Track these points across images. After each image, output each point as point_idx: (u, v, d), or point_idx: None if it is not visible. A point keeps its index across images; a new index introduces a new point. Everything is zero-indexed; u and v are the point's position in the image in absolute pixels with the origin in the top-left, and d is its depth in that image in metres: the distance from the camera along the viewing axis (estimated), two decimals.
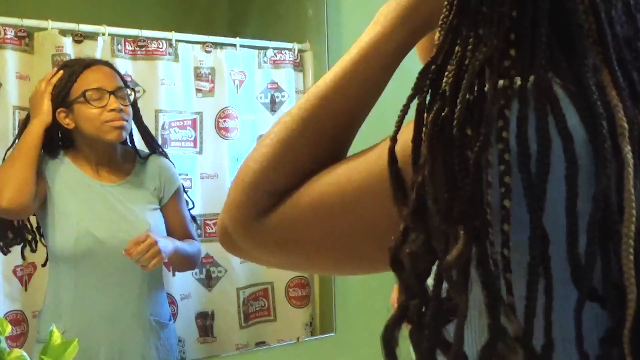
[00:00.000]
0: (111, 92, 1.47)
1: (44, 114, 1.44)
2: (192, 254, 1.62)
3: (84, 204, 1.50)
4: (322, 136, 0.56)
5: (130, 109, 1.52)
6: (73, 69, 1.48)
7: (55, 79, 1.46)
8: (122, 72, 1.59)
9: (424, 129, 0.48)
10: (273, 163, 0.56)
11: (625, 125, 0.44)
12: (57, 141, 1.50)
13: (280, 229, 0.56)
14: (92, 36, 1.60)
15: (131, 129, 1.55)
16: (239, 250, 0.60)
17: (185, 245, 1.58)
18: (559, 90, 0.47)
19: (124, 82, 1.55)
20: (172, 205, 1.59)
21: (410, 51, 0.59)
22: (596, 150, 0.45)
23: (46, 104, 1.44)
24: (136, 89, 1.61)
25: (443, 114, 0.47)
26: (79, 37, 1.58)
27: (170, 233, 1.58)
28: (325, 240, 0.55)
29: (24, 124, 1.47)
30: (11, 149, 1.46)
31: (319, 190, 0.54)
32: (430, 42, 0.58)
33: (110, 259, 1.47)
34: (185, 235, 1.62)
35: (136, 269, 1.46)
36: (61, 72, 1.47)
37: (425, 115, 0.48)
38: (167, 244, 1.49)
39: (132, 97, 1.53)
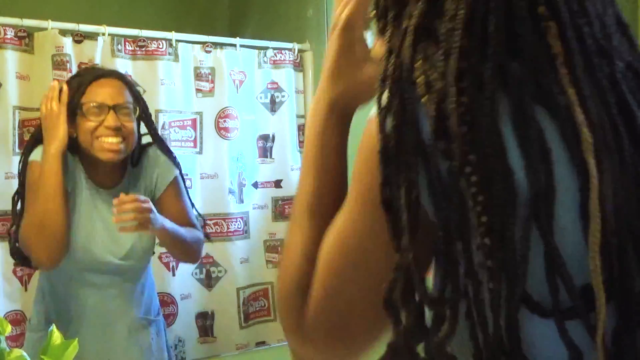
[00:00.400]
0: (112, 107, 1.41)
1: (60, 140, 1.38)
2: (188, 239, 1.54)
3: (83, 212, 1.45)
4: (323, 221, 0.59)
5: (133, 125, 1.44)
6: (82, 79, 1.43)
7: (65, 98, 1.39)
8: (122, 72, 1.58)
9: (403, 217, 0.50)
10: (297, 284, 0.59)
11: (590, 139, 0.47)
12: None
13: (319, 317, 0.57)
14: (92, 36, 1.60)
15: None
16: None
17: (180, 229, 1.52)
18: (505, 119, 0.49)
19: (134, 95, 1.48)
20: (168, 195, 1.53)
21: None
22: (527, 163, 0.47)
23: (62, 128, 1.38)
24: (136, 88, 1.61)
25: (413, 194, 0.50)
26: (79, 37, 1.58)
27: None
28: (360, 302, 0.56)
29: (34, 141, 1.42)
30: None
31: (327, 263, 0.57)
32: None
33: (102, 266, 1.45)
34: (185, 224, 1.55)
35: (126, 273, 1.46)
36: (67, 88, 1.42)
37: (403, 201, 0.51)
38: (158, 218, 1.44)
39: (137, 111, 1.46)
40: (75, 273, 1.43)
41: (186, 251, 1.57)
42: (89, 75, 1.43)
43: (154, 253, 1.56)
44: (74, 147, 1.43)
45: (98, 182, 1.46)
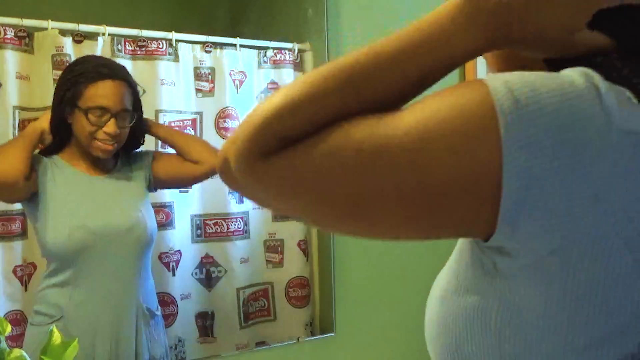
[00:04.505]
0: (113, 115, 1.50)
1: (42, 119, 1.50)
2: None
3: (76, 198, 1.52)
4: (360, 99, 0.54)
5: (128, 130, 1.54)
6: (90, 75, 1.49)
7: None
8: None
9: None
10: (294, 105, 0.53)
11: None
12: (57, 137, 1.52)
13: (285, 174, 0.53)
14: (92, 36, 1.60)
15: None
16: (237, 185, 0.57)
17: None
18: None
19: (136, 98, 1.57)
20: (158, 160, 1.64)
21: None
22: None
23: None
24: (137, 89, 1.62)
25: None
26: (79, 37, 1.58)
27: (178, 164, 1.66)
28: (332, 198, 0.52)
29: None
30: None
31: (339, 144, 0.51)
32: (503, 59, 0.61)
33: (104, 248, 1.50)
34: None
35: (129, 256, 1.53)
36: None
37: None
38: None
39: (134, 119, 1.55)
40: (80, 257, 1.48)
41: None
42: (95, 73, 1.49)
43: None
44: (67, 136, 1.51)
45: (92, 171, 1.54)
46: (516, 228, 0.48)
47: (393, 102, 0.54)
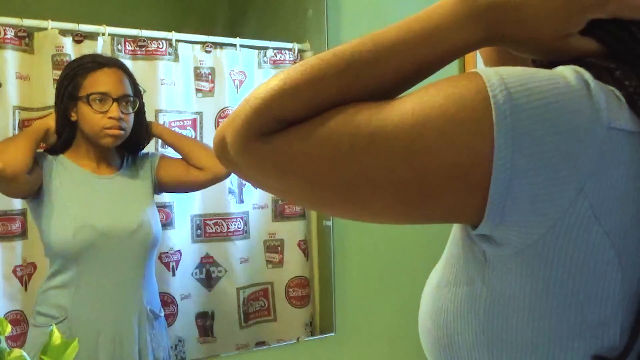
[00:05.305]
0: (115, 100, 1.50)
1: (48, 118, 1.51)
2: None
3: (81, 197, 1.52)
4: (358, 86, 0.55)
5: (131, 117, 1.55)
6: (87, 66, 1.51)
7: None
8: None
9: None
10: (294, 88, 0.55)
11: None
12: (63, 136, 1.52)
13: (282, 155, 0.54)
14: (92, 36, 1.60)
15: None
16: (233, 164, 0.58)
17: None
18: None
19: (135, 87, 1.58)
20: (163, 163, 1.64)
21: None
22: None
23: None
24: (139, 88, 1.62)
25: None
26: (79, 37, 1.58)
27: (184, 169, 1.66)
28: (326, 179, 0.54)
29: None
30: None
31: (335, 128, 0.53)
32: (498, 55, 0.64)
33: (109, 249, 1.50)
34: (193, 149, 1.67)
35: (134, 257, 1.52)
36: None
37: None
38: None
39: (136, 105, 1.56)
40: (86, 257, 1.48)
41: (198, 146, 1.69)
42: (92, 63, 1.51)
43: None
44: (72, 134, 1.52)
45: (99, 170, 1.54)
46: (503, 217, 0.49)
47: (391, 90, 0.56)
